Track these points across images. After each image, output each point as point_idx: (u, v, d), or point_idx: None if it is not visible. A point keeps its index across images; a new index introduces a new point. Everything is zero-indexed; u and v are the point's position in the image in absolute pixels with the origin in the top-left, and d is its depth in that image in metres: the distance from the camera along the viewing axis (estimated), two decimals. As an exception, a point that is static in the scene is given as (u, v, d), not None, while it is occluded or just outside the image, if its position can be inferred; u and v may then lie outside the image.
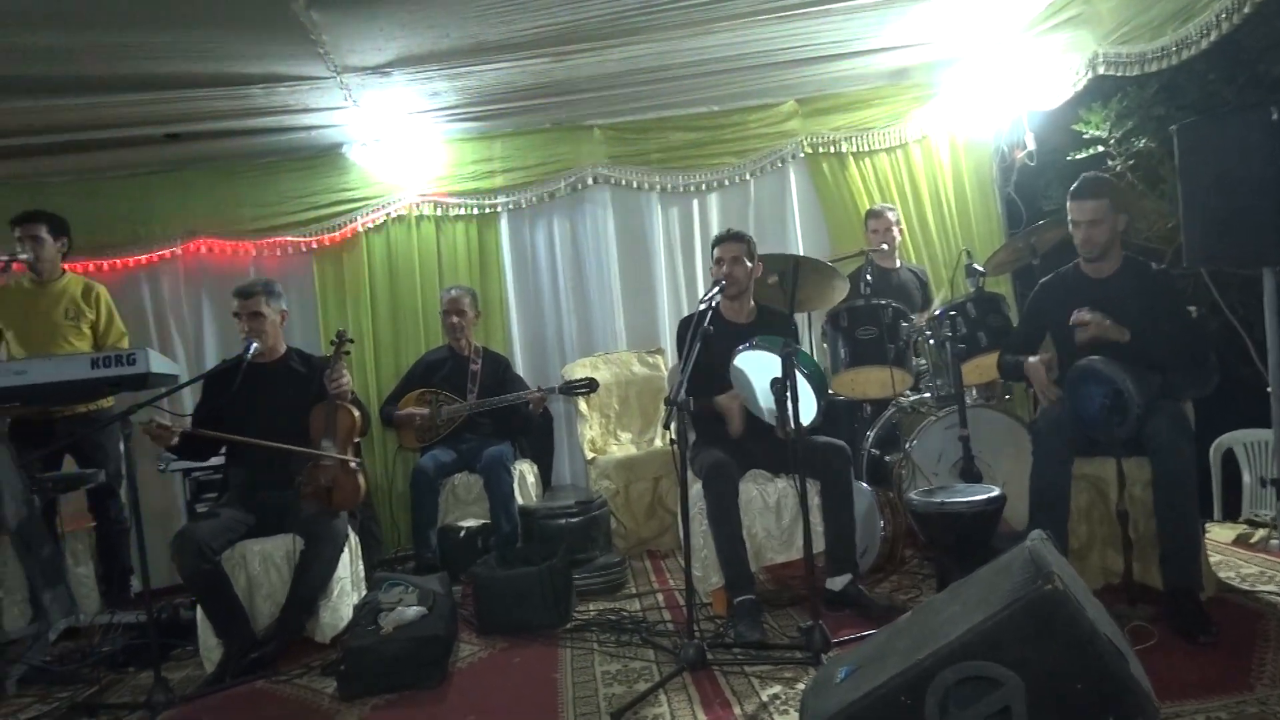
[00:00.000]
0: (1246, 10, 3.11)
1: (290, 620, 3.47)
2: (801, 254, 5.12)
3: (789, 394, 2.96)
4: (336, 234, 5.40)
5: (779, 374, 3.02)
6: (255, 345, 3.59)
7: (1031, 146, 5.05)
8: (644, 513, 4.79)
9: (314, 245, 5.41)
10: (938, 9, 4.28)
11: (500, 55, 4.19)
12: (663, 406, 5.25)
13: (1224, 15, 3.19)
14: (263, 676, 3.31)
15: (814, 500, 3.44)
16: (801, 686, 2.68)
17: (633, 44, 4.27)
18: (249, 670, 3.32)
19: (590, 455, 5.03)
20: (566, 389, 4.71)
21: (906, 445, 3.91)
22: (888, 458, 4.21)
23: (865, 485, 3.82)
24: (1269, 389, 3.50)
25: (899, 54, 4.93)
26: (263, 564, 3.54)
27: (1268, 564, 3.42)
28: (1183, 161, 3.43)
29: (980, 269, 4.18)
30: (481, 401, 4.70)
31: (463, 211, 5.48)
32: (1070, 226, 3.26)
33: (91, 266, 5.12)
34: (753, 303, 3.79)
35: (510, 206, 5.52)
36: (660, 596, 3.92)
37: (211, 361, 5.26)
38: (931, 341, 4.11)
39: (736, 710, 2.60)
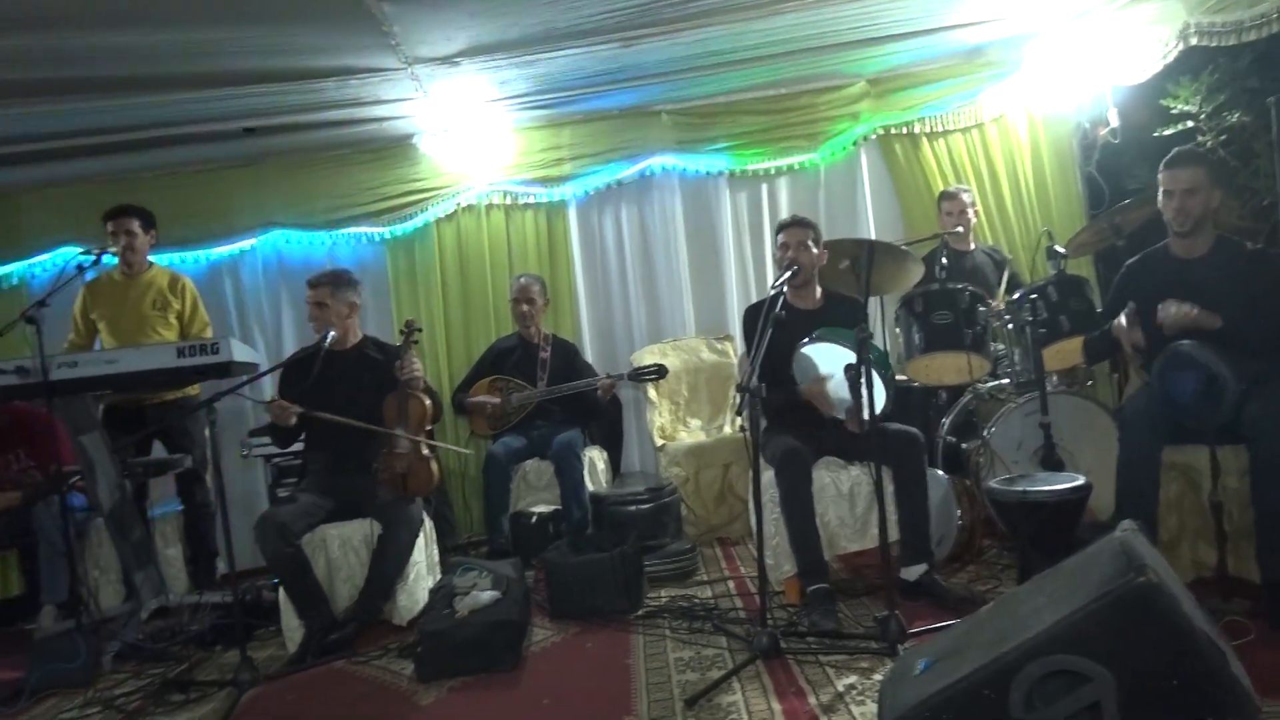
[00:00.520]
0: (1353, -27, 2.95)
1: (368, 603, 3.55)
2: (873, 238, 5.04)
3: (863, 383, 2.91)
4: (408, 224, 5.48)
5: (850, 363, 2.97)
6: (333, 334, 3.66)
7: (1115, 123, 4.85)
8: (714, 500, 4.78)
9: (387, 235, 5.49)
10: (1017, -18, 4.16)
11: (569, 42, 4.19)
12: (734, 393, 5.24)
13: (1330, -21, 3.03)
14: (342, 657, 3.39)
15: (888, 488, 3.38)
16: (878, 677, 2.65)
17: (702, 27, 4.23)
18: (329, 651, 3.41)
19: (660, 442, 5.03)
20: (635, 376, 4.71)
21: (985, 433, 3.82)
22: (964, 445, 4.11)
23: (941, 473, 3.74)
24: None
25: (974, 30, 4.79)
26: (342, 548, 3.62)
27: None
28: (1281, 135, 3.27)
29: (1062, 250, 4.05)
30: (551, 388, 4.73)
31: (531, 200, 5.51)
32: (1161, 199, 3.11)
33: (176, 259, 5.28)
34: (820, 288, 3.75)
35: (578, 194, 5.53)
36: (731, 584, 3.90)
37: (290, 350, 5.38)
38: (1010, 326, 4.00)
39: (811, 700, 2.57)
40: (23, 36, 3.50)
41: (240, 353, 3.78)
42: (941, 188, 5.18)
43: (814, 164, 5.55)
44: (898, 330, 4.26)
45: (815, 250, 3.65)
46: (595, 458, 4.80)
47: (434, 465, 3.69)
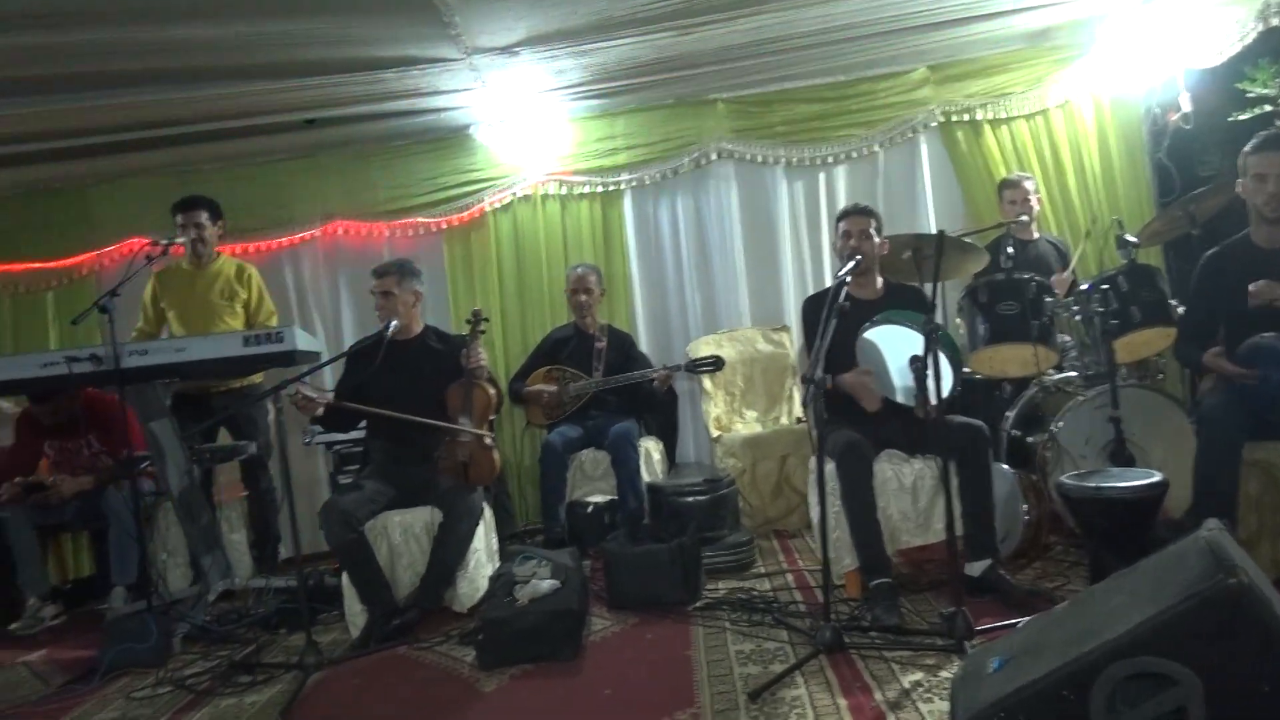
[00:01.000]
0: None
1: (429, 589, 3.59)
2: (934, 228, 4.97)
3: (931, 371, 2.86)
4: (465, 214, 5.51)
5: (916, 351, 2.92)
6: (395, 323, 3.70)
7: (1187, 108, 4.70)
8: (770, 492, 4.74)
9: (443, 226, 5.54)
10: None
11: (626, 30, 4.17)
12: (798, 385, 5.20)
13: None
14: (404, 643, 3.42)
15: (952, 482, 3.31)
16: (945, 674, 2.60)
17: (759, 14, 4.18)
18: (392, 636, 3.45)
19: (715, 433, 5.01)
20: (692, 367, 4.69)
21: (1052, 426, 3.73)
22: (1029, 439, 4.03)
23: (1006, 468, 3.67)
24: None
25: (1041, 13, 4.67)
26: (404, 535, 3.66)
27: None
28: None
29: (1133, 240, 3.93)
30: (608, 379, 4.73)
31: (587, 190, 5.51)
32: (1250, 184, 3.01)
33: (238, 249, 5.37)
34: (881, 278, 3.69)
35: (634, 184, 5.52)
36: (790, 577, 3.88)
37: (349, 339, 5.46)
38: (1079, 317, 3.90)
39: (877, 696, 2.54)
40: (97, 30, 3.57)
41: (304, 341, 3.83)
42: (1004, 175, 5.07)
43: (873, 152, 5.47)
44: (958, 321, 4.18)
45: (877, 239, 3.60)
46: (651, 448, 4.79)
47: (495, 454, 3.71)
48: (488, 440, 3.70)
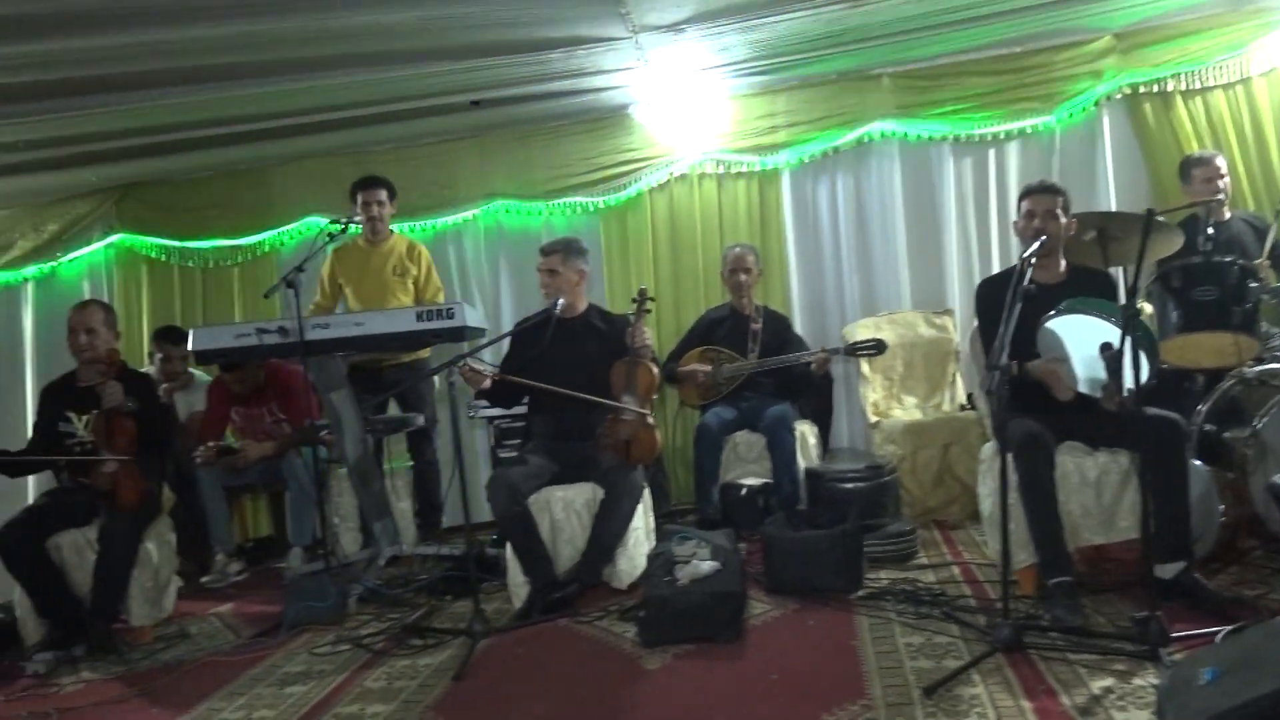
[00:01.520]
0: None
1: (590, 565, 3.64)
2: (1114, 208, 4.67)
3: (1127, 362, 2.67)
4: (621, 194, 5.54)
5: (1104, 339, 2.74)
6: (561, 301, 3.75)
7: None
8: (931, 480, 4.58)
9: (600, 205, 5.58)
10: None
11: (796, 4, 4.08)
12: (961, 371, 5.02)
13: None
14: (565, 616, 3.47)
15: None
16: (1138, 682, 2.44)
17: (938, -18, 4.02)
18: (553, 609, 3.51)
19: (873, 419, 4.88)
20: (852, 350, 4.57)
21: (1255, 423, 3.44)
22: (1226, 435, 3.73)
23: (1201, 465, 3.41)
24: None
25: (1247, -27, 4.31)
26: (565, 510, 3.72)
27: None
28: None
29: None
30: (764, 360, 4.67)
31: (744, 169, 5.45)
32: None
33: (405, 228, 5.57)
34: (1064, 261, 3.48)
35: (793, 162, 5.41)
36: (956, 569, 3.74)
37: (507, 316, 5.60)
38: (1289, 305, 3.59)
39: (1064, 700, 2.41)
40: (284, 20, 3.75)
41: (472, 318, 3.94)
42: (1196, 150, 4.71)
43: (1049, 127, 5.18)
44: (1144, 306, 3.91)
45: (1064, 219, 3.39)
46: (806, 432, 4.71)
47: (657, 434, 3.72)
48: (650, 419, 3.72)
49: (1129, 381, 2.71)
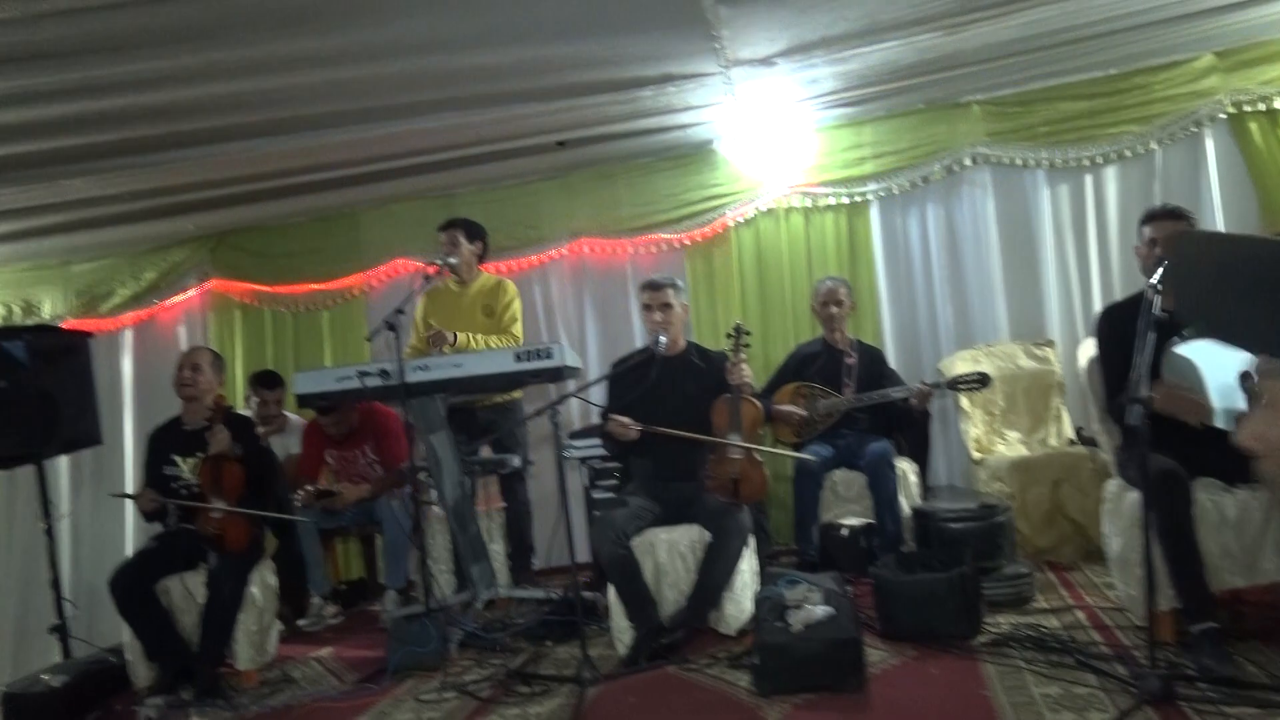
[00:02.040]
0: None
1: (696, 609, 3.55)
2: (1223, 230, 4.50)
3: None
4: (706, 229, 5.50)
5: (1239, 368, 2.58)
6: (663, 339, 3.70)
7: None
8: (1041, 520, 4.39)
9: (685, 242, 5.54)
10: None
11: (891, 33, 4.01)
12: (1064, 404, 4.84)
13: None
14: (673, 662, 3.37)
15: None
16: (1312, 739, 2.27)
17: (1036, 6, 3.91)
18: (659, 655, 3.41)
19: (977, 455, 4.71)
20: (954, 383, 4.43)
21: None
22: (1371, 470, 3.51)
23: (1350, 502, 3.20)
24: None
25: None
26: (669, 553, 3.64)
27: None
28: None
29: None
30: (860, 395, 4.56)
31: (832, 201, 5.36)
32: None
33: (492, 268, 5.59)
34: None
35: (881, 194, 5.33)
36: (1081, 614, 3.55)
37: (593, 356, 5.57)
38: None
39: (1230, 758, 2.25)
40: (382, 65, 3.80)
41: (569, 358, 3.91)
42: (1310, 170, 4.52)
43: (1149, 150, 5.01)
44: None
45: (1189, 245, 3.24)
46: (906, 470, 4.56)
47: (765, 471, 3.63)
48: (758, 456, 3.63)
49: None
